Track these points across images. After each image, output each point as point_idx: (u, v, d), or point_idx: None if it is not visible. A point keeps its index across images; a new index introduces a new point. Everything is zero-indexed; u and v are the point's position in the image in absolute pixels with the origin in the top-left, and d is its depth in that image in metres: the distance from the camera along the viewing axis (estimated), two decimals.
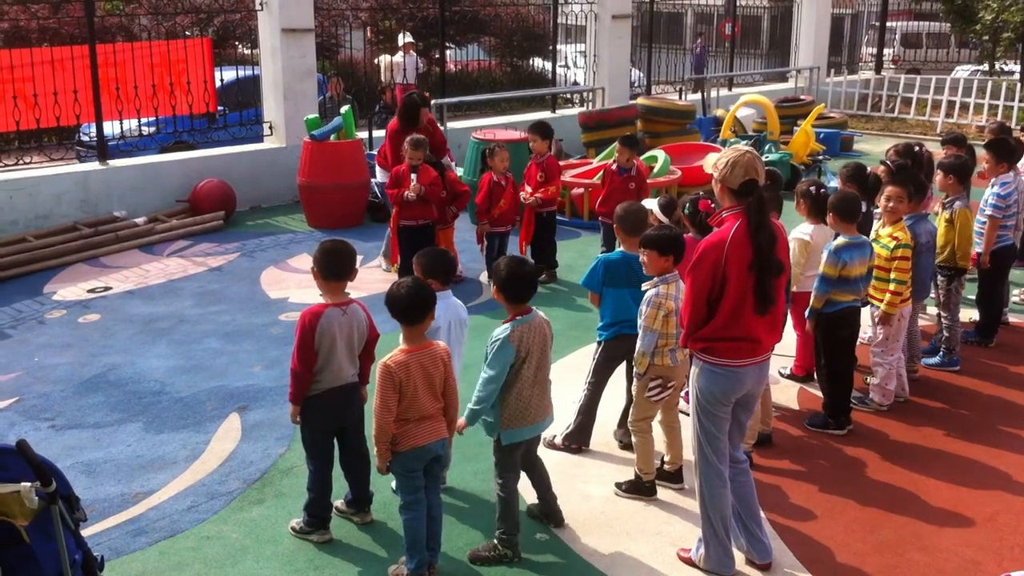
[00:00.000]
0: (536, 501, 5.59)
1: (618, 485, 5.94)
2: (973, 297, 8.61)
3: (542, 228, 10.15)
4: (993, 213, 8.08)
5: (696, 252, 4.83)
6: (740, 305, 4.73)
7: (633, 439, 5.93)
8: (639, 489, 5.88)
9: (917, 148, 8.53)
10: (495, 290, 5.20)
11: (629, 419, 6.02)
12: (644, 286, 5.76)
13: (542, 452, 5.62)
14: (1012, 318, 9.06)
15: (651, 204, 6.79)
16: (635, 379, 5.85)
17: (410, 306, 4.80)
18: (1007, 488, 6.07)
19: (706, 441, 4.97)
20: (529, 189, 9.99)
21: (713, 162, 4.89)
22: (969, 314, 8.55)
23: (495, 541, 5.21)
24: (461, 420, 5.15)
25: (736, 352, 4.81)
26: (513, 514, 5.20)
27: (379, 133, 14.70)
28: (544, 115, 16.55)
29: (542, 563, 5.20)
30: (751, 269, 4.69)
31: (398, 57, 18.63)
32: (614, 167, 9.84)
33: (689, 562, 5.20)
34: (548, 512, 5.55)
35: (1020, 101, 19.89)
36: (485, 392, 5.05)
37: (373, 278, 9.73)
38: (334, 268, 5.24)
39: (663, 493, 5.90)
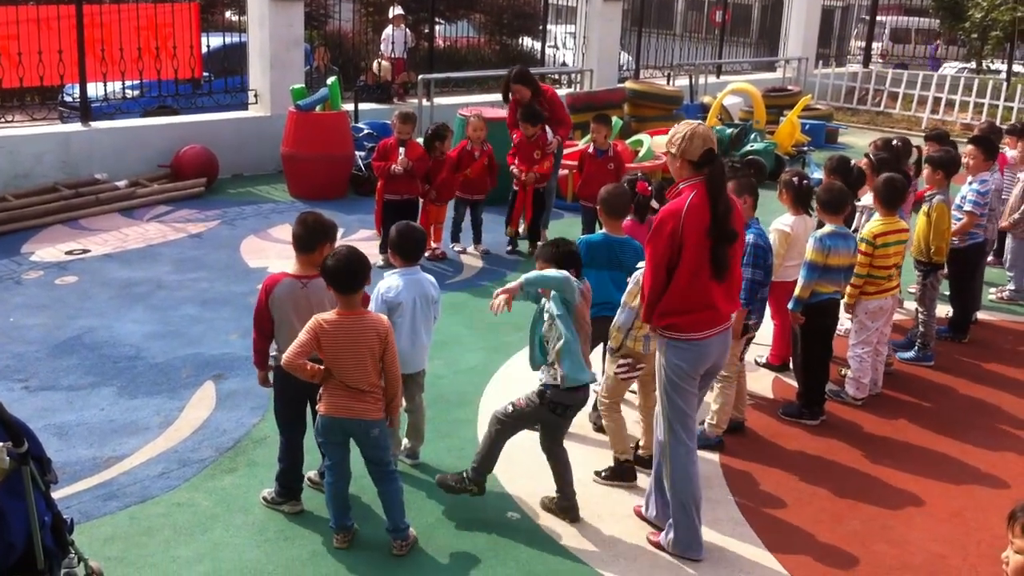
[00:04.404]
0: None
1: (597, 473, 5.93)
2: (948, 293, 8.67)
3: (533, 203, 10.35)
4: (973, 209, 8.14)
5: (655, 221, 4.93)
6: (697, 272, 4.83)
7: (603, 421, 5.98)
8: (619, 475, 5.89)
9: (895, 142, 8.58)
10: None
11: (600, 395, 6.08)
12: (639, 265, 5.85)
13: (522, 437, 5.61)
14: (988, 316, 9.13)
15: None
16: (608, 354, 5.92)
17: (340, 274, 4.83)
18: (975, 483, 6.14)
19: (676, 418, 5.03)
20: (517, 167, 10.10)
21: (668, 139, 4.97)
22: (946, 309, 8.61)
23: (464, 473, 5.30)
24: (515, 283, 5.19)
25: (698, 324, 4.91)
26: (492, 456, 5.35)
27: (364, 106, 14.67)
28: None
29: (512, 543, 5.22)
30: (708, 236, 4.79)
31: (388, 30, 18.53)
32: (591, 150, 9.89)
33: (658, 546, 5.23)
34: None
35: (1006, 100, 19.97)
36: None
37: None
38: (301, 241, 5.25)
39: (636, 477, 5.93)
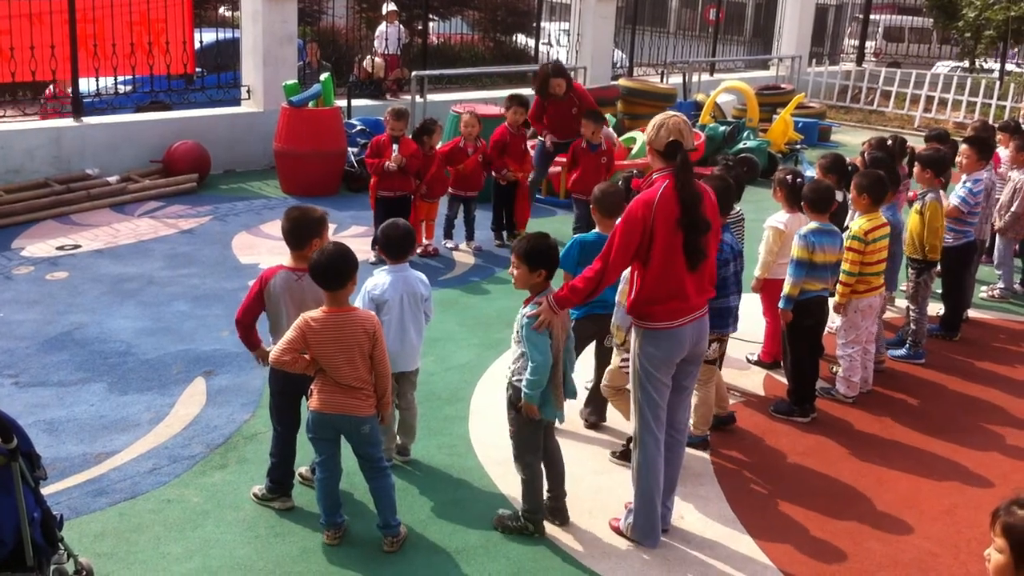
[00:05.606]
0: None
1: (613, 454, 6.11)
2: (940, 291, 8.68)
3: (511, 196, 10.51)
4: (959, 205, 8.17)
5: (627, 210, 4.97)
6: (669, 262, 4.87)
7: (611, 403, 6.13)
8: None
9: (889, 141, 8.59)
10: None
11: (602, 383, 6.15)
12: None
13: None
14: (979, 314, 9.14)
15: None
16: (613, 349, 5.99)
17: (326, 271, 4.82)
18: (966, 481, 6.15)
19: (648, 408, 5.06)
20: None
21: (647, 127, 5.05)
22: (937, 308, 8.62)
23: (520, 513, 5.29)
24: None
25: (671, 314, 4.94)
26: (533, 489, 5.27)
27: (358, 102, 14.65)
28: (525, 91, 16.47)
29: (503, 540, 5.22)
30: (679, 226, 4.84)
31: (381, 27, 18.50)
32: (583, 144, 9.90)
33: (617, 531, 5.29)
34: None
35: (998, 99, 20.00)
36: None
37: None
38: (288, 236, 5.26)
39: (626, 474, 5.92)
